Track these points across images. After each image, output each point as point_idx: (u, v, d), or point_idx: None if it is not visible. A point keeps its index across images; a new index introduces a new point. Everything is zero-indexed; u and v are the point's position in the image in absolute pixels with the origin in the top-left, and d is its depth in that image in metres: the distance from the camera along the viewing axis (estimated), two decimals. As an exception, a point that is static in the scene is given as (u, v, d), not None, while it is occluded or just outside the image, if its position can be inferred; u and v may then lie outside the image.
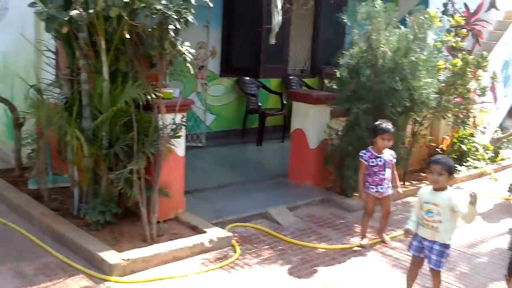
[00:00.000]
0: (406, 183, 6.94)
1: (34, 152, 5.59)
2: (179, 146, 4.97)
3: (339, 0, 8.62)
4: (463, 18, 8.58)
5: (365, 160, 4.95)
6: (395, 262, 4.78)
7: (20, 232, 4.61)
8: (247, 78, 8.69)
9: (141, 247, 4.32)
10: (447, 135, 7.97)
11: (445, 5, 9.14)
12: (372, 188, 4.97)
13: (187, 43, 4.39)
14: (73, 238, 4.33)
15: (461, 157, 7.94)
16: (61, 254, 4.24)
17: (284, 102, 8.80)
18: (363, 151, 5.02)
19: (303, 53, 9.78)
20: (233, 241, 4.80)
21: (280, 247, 4.90)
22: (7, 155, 6.56)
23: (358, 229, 5.35)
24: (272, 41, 4.92)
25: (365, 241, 5.07)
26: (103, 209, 4.56)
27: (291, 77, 9.31)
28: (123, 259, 4.05)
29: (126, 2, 3.88)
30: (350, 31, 6.34)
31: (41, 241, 4.45)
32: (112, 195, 4.66)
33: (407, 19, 7.03)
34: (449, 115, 7.34)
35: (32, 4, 4.04)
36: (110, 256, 4.07)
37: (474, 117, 7.92)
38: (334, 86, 6.27)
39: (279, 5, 4.78)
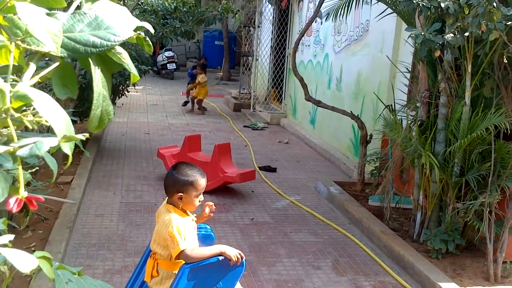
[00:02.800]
0: None
1: (378, 170, 5.83)
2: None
3: None
4: None
5: None
6: None
7: (360, 247, 4.83)
8: None
9: (484, 286, 4.02)
10: None
11: None
12: None
13: None
14: (412, 262, 4.28)
15: None
16: (399, 275, 4.27)
17: None
18: None
19: None
20: None
21: None
22: (350, 169, 7.03)
23: None
24: None
25: None
26: (446, 238, 4.38)
27: None
28: (465, 295, 3.82)
29: (507, 25, 3.62)
30: None
31: (379, 258, 4.57)
32: (457, 225, 4.45)
33: None
34: None
35: (408, 28, 4.17)
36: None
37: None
38: None
39: None
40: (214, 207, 3.07)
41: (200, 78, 11.58)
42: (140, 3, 8.05)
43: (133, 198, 5.75)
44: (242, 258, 2.73)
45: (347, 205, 5.59)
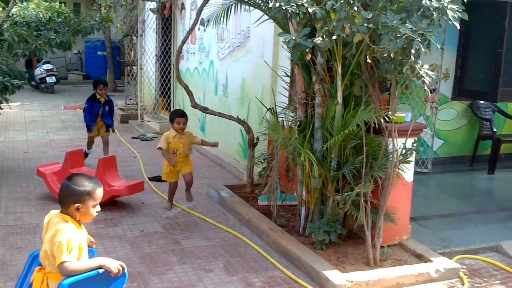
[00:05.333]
0: None
1: (265, 170, 6.03)
2: (408, 172, 4.84)
3: None
4: None
5: None
6: None
7: (250, 246, 4.96)
8: (482, 102, 8.07)
9: (364, 270, 4.31)
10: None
11: None
12: None
13: (426, 66, 4.27)
14: (299, 254, 4.49)
15: None
16: (287, 269, 4.44)
17: (524, 127, 7.96)
18: None
19: (548, 73, 8.70)
20: (461, 273, 4.53)
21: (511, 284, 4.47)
22: (240, 172, 7.19)
23: None
24: None
25: None
26: (329, 229, 4.64)
27: (530, 101, 8.36)
28: (347, 280, 4.06)
29: (369, 27, 3.93)
30: None
31: (268, 255, 4.72)
32: (337, 216, 4.73)
33: None
34: None
35: (281, 34, 4.36)
36: (335, 276, 4.11)
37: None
38: None
39: None
40: (94, 244, 3.02)
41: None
42: (10, 15, 7.62)
43: (12, 220, 5.43)
44: (123, 269, 2.71)
45: (238, 207, 5.71)
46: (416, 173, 6.96)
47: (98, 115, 7.73)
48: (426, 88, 4.41)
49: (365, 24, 3.97)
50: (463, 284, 4.39)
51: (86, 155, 7.78)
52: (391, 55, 3.97)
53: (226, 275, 4.36)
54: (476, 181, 7.50)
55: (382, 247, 4.55)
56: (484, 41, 7.64)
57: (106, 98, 7.77)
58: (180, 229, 5.37)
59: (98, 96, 7.70)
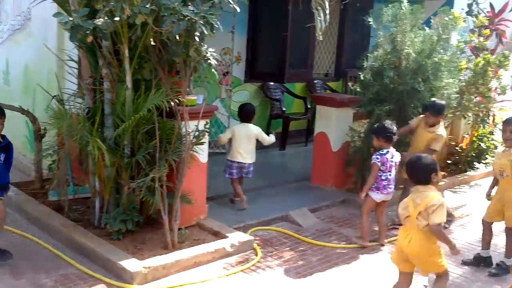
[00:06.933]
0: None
1: (55, 163, 5.59)
2: (202, 153, 4.93)
3: (365, 2, 8.53)
4: (488, 18, 8.48)
5: (380, 162, 4.89)
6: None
7: (40, 245, 4.60)
8: (272, 83, 8.63)
9: (162, 254, 4.30)
10: (467, 134, 7.93)
11: (469, 5, 8.93)
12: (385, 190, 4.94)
13: (211, 49, 4.35)
14: (94, 248, 4.29)
15: (480, 155, 7.93)
16: (82, 264, 4.22)
17: (308, 106, 8.75)
18: (379, 152, 4.94)
19: (328, 56, 9.67)
20: (255, 245, 4.82)
21: (300, 248, 4.93)
22: (28, 167, 6.59)
23: (377, 227, 5.27)
24: (320, 37, 4.85)
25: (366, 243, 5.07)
26: (125, 218, 4.52)
27: (315, 81, 9.22)
28: (144, 267, 4.02)
29: (152, 9, 3.84)
30: (375, 33, 6.27)
31: (61, 252, 4.43)
32: (134, 203, 4.63)
33: (431, 20, 6.93)
34: (469, 114, 7.37)
35: (56, 14, 4.03)
36: (131, 264, 4.04)
37: (494, 115, 7.87)
38: (358, 89, 6.28)
39: (327, 3, 4.72)
40: None
41: None
42: None
43: None
44: None
45: (25, 205, 5.26)
46: (214, 154, 7.24)
47: None
48: (213, 70, 4.53)
49: (147, 5, 3.89)
50: (256, 254, 4.67)
51: None
52: (177, 38, 3.97)
53: (14, 279, 3.98)
54: (269, 158, 8.02)
55: (180, 229, 4.61)
56: (272, 25, 8.15)
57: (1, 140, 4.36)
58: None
59: None
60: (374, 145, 5.15)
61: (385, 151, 4.90)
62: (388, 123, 4.99)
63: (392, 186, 4.99)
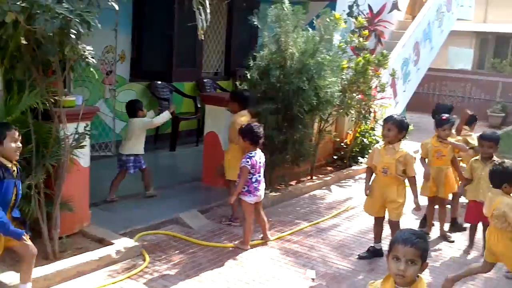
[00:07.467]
0: (314, 177, 7.33)
1: None
2: (83, 157, 4.71)
3: (252, 2, 8.66)
4: (367, 19, 8.96)
5: (250, 165, 4.88)
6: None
7: None
8: (159, 82, 8.45)
9: (43, 265, 4.08)
10: (350, 130, 8.33)
11: (350, 7, 9.42)
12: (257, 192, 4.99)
13: (89, 47, 4.16)
14: (-35, 265, 3.95)
15: (363, 150, 8.35)
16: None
17: (198, 105, 8.69)
18: (248, 155, 4.92)
19: (217, 55, 9.71)
20: (143, 250, 4.71)
21: (190, 251, 4.90)
22: None
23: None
24: (202, 37, 4.77)
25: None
26: (-1, 230, 4.19)
27: (205, 80, 9.18)
28: (23, 280, 3.76)
29: (23, 6, 3.59)
30: (262, 33, 6.40)
31: None
32: (9, 213, 4.31)
33: (315, 21, 7.21)
34: (352, 111, 7.70)
35: None
36: (8, 277, 3.80)
37: (375, 112, 8.30)
38: (245, 88, 6.32)
39: (207, 2, 4.67)
40: None
41: None
42: None
43: None
44: None
45: None
46: (99, 157, 6.98)
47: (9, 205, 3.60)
48: (92, 70, 4.36)
49: (18, 3, 3.64)
50: (144, 260, 4.56)
51: None
52: (51, 36, 3.76)
53: None
54: (159, 159, 7.89)
55: (61, 238, 4.40)
56: (157, 24, 8.03)
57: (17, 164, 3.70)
58: None
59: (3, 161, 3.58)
60: (241, 147, 5.11)
61: (253, 153, 4.94)
62: (256, 125, 5.01)
63: (262, 187, 5.06)
